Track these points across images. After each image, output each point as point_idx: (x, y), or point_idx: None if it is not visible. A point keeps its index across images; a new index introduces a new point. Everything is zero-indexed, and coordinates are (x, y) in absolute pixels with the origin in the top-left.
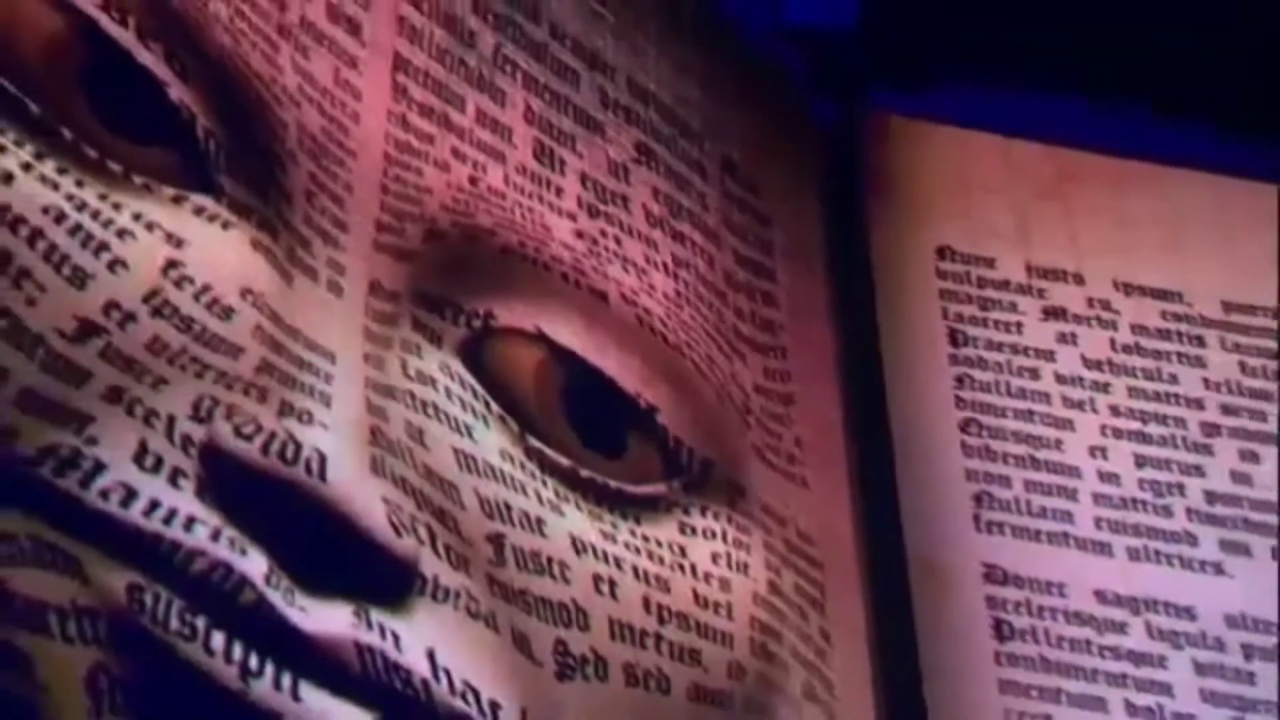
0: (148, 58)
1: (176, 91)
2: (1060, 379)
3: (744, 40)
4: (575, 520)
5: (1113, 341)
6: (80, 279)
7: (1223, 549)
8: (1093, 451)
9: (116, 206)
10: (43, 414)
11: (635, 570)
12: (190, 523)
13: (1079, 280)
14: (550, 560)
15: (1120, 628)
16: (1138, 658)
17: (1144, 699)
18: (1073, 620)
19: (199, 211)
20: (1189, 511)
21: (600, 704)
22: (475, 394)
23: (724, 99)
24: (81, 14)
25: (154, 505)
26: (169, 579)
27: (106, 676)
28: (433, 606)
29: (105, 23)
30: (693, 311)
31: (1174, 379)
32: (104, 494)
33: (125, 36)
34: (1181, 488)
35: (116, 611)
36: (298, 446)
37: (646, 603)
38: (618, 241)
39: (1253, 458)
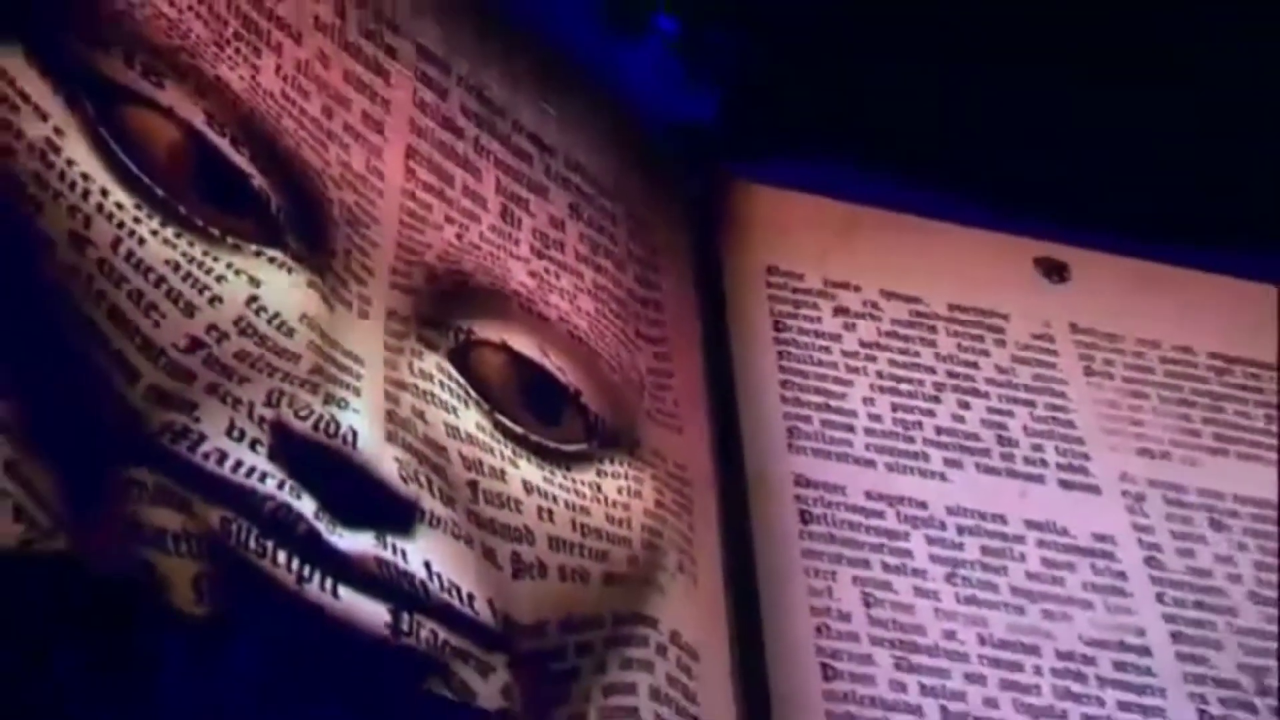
0: (238, 158)
1: (258, 180)
2: (844, 354)
3: (643, 128)
4: (526, 470)
5: (878, 330)
6: (189, 309)
7: (946, 464)
8: (864, 400)
9: (215, 259)
10: (163, 402)
11: (566, 503)
12: (263, 476)
13: (857, 289)
14: (509, 498)
15: (879, 515)
16: (890, 534)
17: (894, 560)
18: (849, 511)
19: (271, 261)
20: (924, 440)
21: (541, 594)
22: (459, 385)
23: (629, 168)
24: (193, 128)
25: (239, 464)
26: (248, 514)
27: (206, 579)
28: (429, 532)
29: (209, 134)
30: (607, 323)
31: (917, 355)
32: (205, 456)
33: (223, 143)
34: (920, 424)
35: (212, 536)
36: (337, 424)
37: (573, 524)
38: (556, 276)
39: (965, 406)
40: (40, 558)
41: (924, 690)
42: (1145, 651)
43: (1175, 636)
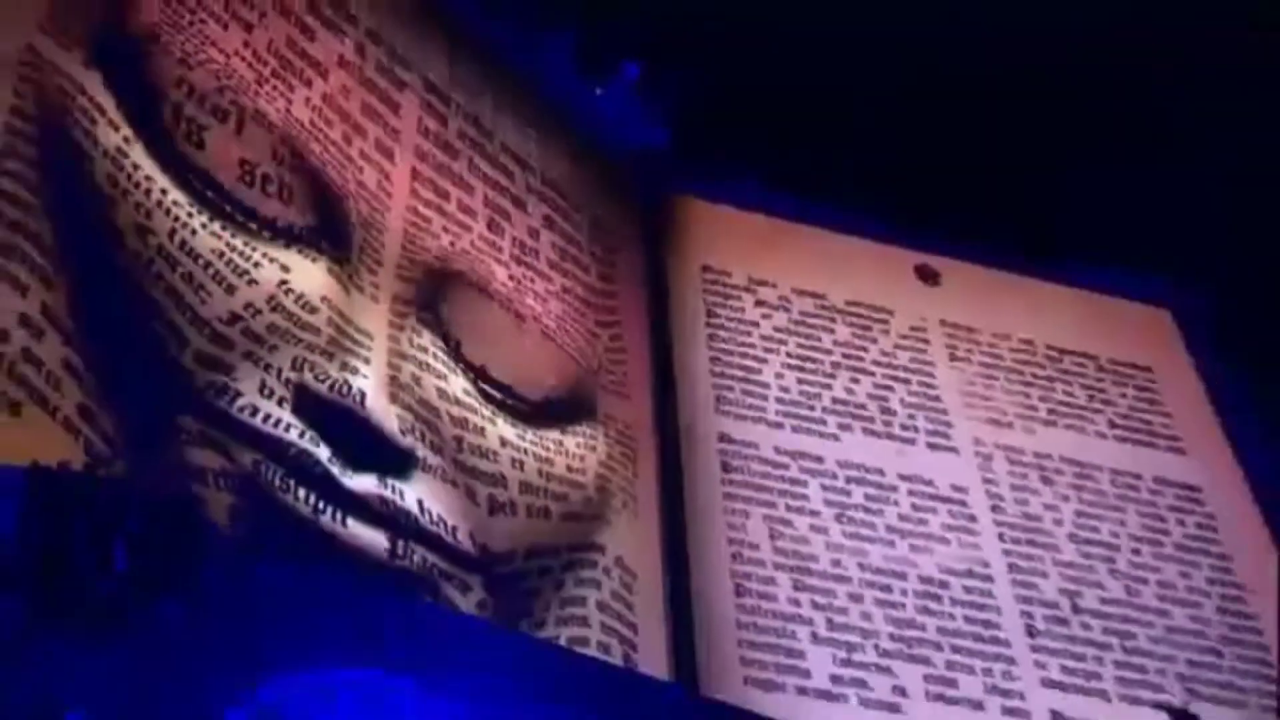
0: (273, 170)
1: (290, 190)
2: (761, 338)
3: (606, 151)
4: (502, 428)
5: (789, 319)
6: (230, 289)
7: (839, 427)
8: (776, 375)
9: (252, 249)
10: (207, 364)
11: (534, 455)
12: (289, 427)
13: (773, 286)
14: (488, 450)
15: (785, 466)
16: (792, 482)
17: (795, 503)
18: (761, 463)
19: (300, 253)
20: (822, 408)
21: (511, 528)
22: (450, 358)
23: (594, 184)
24: (234, 147)
25: (268, 417)
26: (275, 458)
27: (239, 509)
28: (421, 476)
29: (249, 153)
30: (573, 319)
31: (819, 340)
32: (240, 410)
33: (260, 160)
34: (820, 395)
35: (246, 475)
36: (349, 387)
37: (540, 472)
38: (531, 281)
39: (856, 381)
40: (103, 480)
41: (815, 606)
42: (988, 578)
43: (1011, 567)
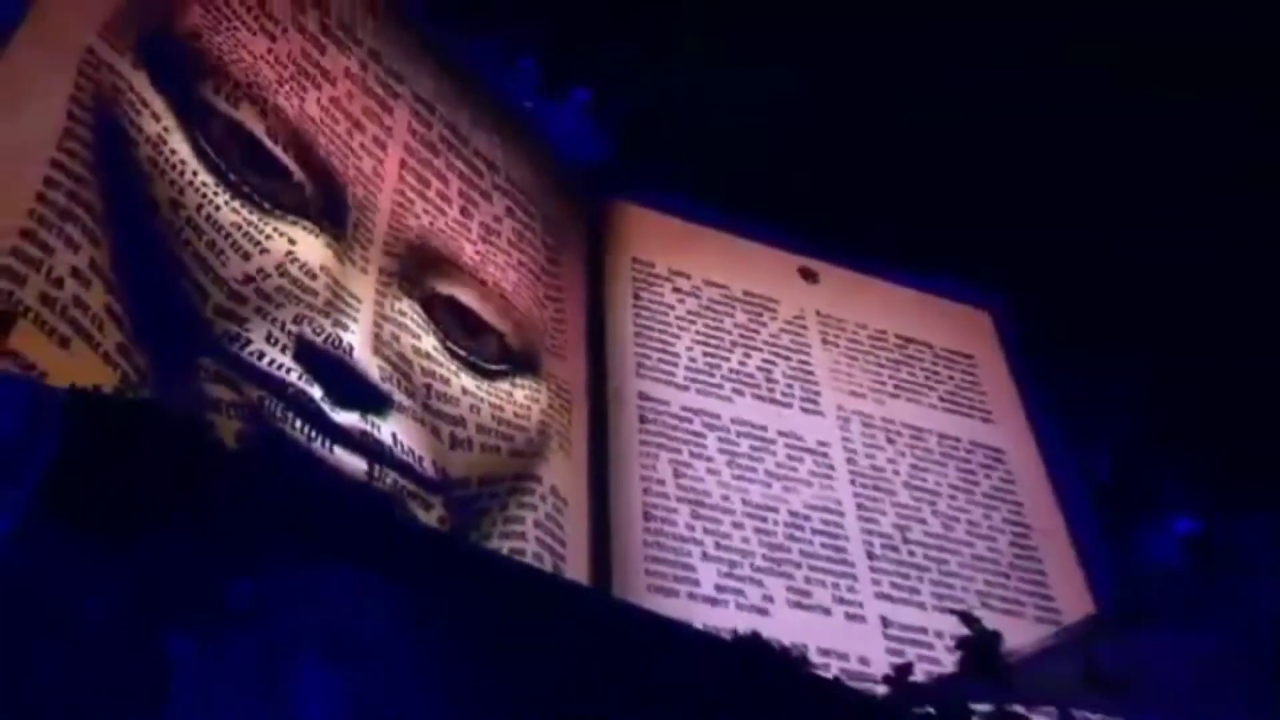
0: (285, 158)
1: (298, 175)
2: (676, 317)
3: (559, 160)
4: (464, 380)
5: (698, 303)
6: (246, 256)
7: (733, 392)
8: (686, 348)
9: (265, 223)
10: (224, 316)
11: (489, 403)
12: (289, 371)
13: (687, 277)
14: (451, 396)
15: (689, 421)
16: (695, 434)
17: (695, 450)
18: (670, 417)
19: (305, 228)
20: (721, 375)
21: (467, 460)
22: (424, 321)
23: (548, 187)
24: (254, 137)
25: (273, 361)
26: (277, 394)
27: (245, 434)
28: (396, 415)
29: (267, 142)
30: (525, 289)
31: (720, 322)
32: (250, 354)
33: (275, 148)
34: (719, 366)
35: (252, 407)
36: (340, 340)
37: (493, 416)
38: (493, 256)
39: (748, 356)
40: (132, 402)
41: (706, 531)
42: (840, 514)
43: (858, 506)
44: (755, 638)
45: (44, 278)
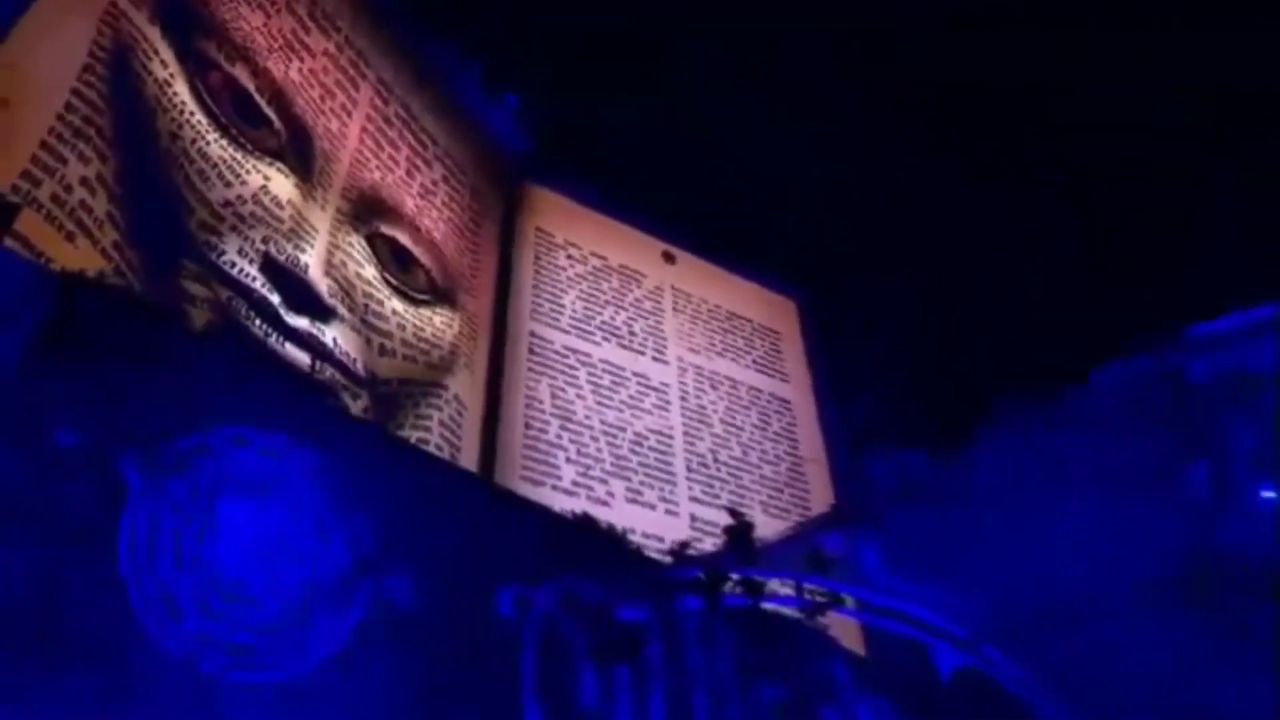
0: (269, 110)
1: (278, 125)
2: (567, 278)
3: (490, 146)
4: (396, 303)
5: (585, 269)
6: (228, 185)
7: (603, 339)
8: (570, 302)
9: (245, 160)
10: (206, 230)
11: (413, 323)
12: (254, 279)
13: (578, 248)
14: (384, 315)
15: (567, 358)
16: (570, 367)
17: (570, 380)
18: (553, 354)
19: (278, 169)
20: (594, 325)
21: (392, 365)
22: (367, 254)
23: (479, 166)
24: (245, 90)
25: (242, 270)
26: (243, 296)
27: (213, 324)
28: (339, 323)
29: (255, 96)
30: (452, 240)
31: (600, 286)
32: (224, 262)
33: (261, 101)
34: (595, 317)
35: (221, 304)
36: (299, 260)
37: (415, 335)
38: (429, 210)
39: (617, 314)
40: (119, 287)
41: (569, 441)
42: (670, 438)
43: (685, 433)
44: (588, 517)
45: (57, 183)
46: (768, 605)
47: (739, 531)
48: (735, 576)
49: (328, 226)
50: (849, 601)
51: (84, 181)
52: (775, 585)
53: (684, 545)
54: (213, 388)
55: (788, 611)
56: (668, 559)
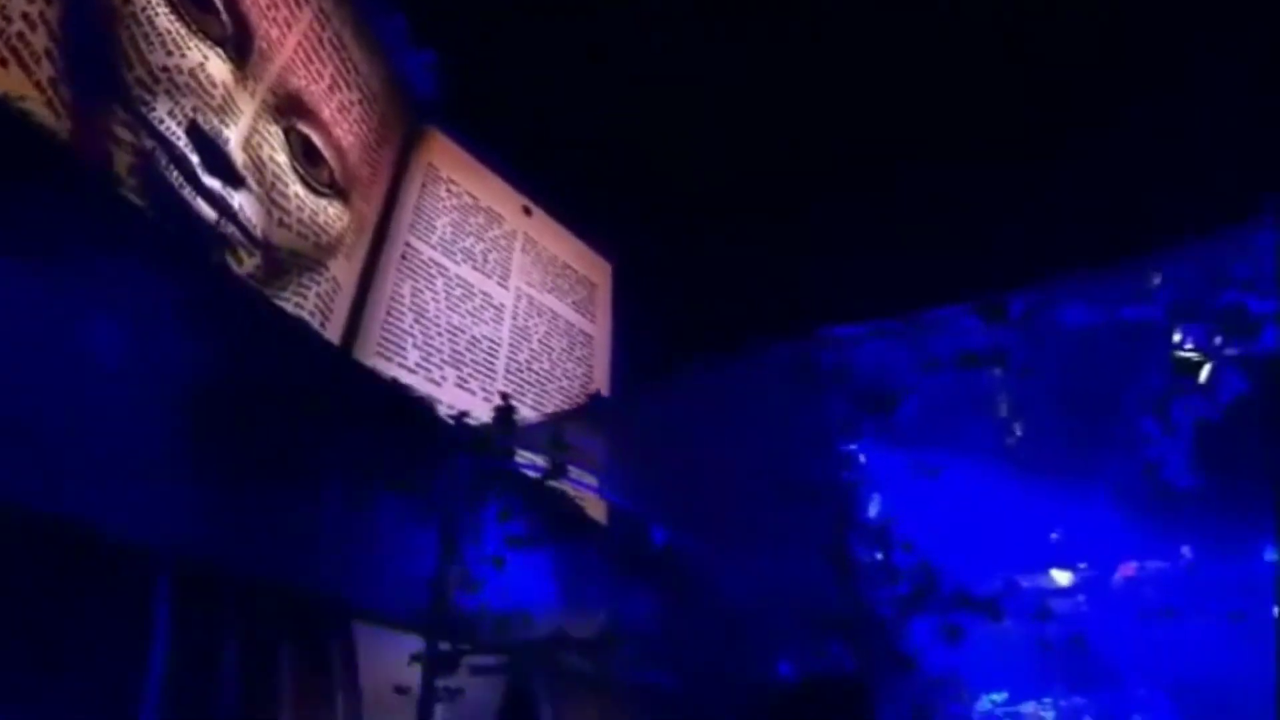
0: (220, 4)
1: (224, 17)
2: (444, 207)
3: (403, 90)
4: (298, 189)
5: (461, 203)
6: (169, 53)
7: (463, 259)
8: (444, 225)
9: (190, 39)
10: (144, 88)
11: (310, 210)
12: (179, 139)
13: (458, 185)
14: (287, 195)
15: (430, 268)
16: (432, 276)
17: (432, 286)
18: (421, 264)
19: (218, 54)
20: (460, 250)
21: (288, 238)
22: (283, 143)
23: (391, 101)
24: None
25: (170, 128)
26: (167, 150)
27: (135, 168)
28: (247, 193)
29: None
30: (357, 152)
31: (468, 218)
32: (154, 118)
33: None
34: (462, 243)
35: (146, 153)
36: (221, 132)
37: (309, 217)
38: (342, 122)
39: (478, 244)
40: (50, 135)
41: (420, 332)
42: (498, 345)
43: (510, 344)
44: (401, 384)
45: None
46: (519, 468)
47: (504, 411)
48: (502, 447)
49: (252, 112)
50: (573, 473)
51: (25, 16)
52: (529, 456)
53: (463, 414)
54: (113, 226)
55: (531, 474)
56: (452, 423)
